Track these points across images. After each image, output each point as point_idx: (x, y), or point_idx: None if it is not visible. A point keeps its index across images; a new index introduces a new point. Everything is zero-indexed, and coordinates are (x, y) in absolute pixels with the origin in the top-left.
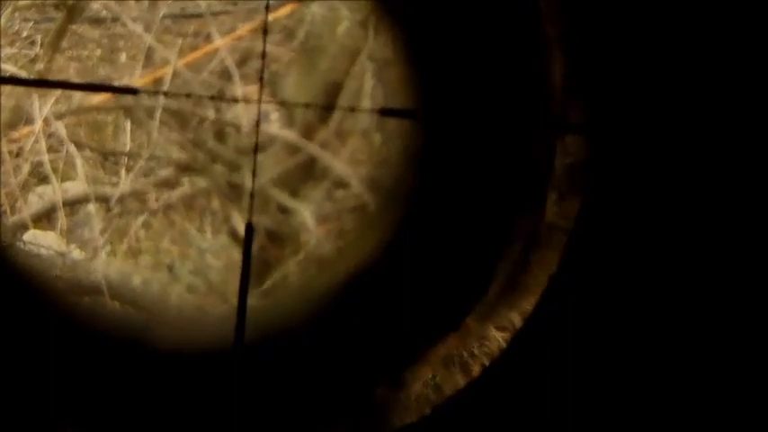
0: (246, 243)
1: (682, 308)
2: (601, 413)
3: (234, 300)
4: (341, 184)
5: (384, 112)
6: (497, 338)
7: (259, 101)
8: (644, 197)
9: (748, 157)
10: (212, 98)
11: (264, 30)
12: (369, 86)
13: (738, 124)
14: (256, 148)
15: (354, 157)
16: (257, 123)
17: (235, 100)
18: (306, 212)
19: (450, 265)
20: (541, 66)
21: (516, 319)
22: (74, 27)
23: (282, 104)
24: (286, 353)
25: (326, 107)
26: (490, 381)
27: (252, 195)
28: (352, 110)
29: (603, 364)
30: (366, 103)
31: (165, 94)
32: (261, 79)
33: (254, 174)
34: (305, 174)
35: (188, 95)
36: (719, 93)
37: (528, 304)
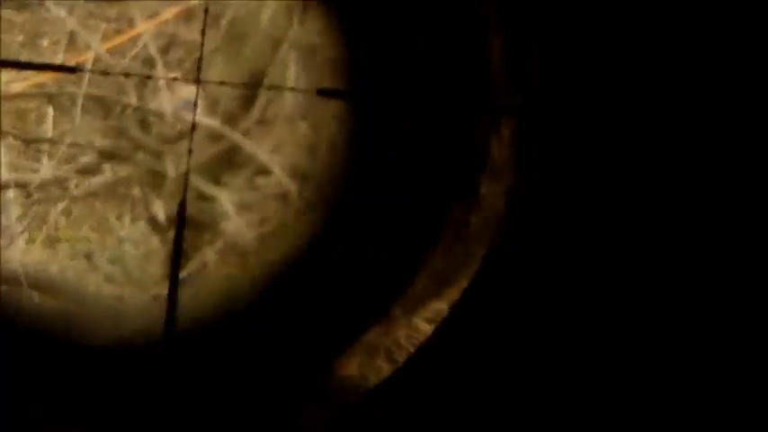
0: (179, 223)
1: (612, 293)
2: (537, 399)
3: (152, 290)
4: (263, 171)
5: (319, 92)
6: (424, 328)
7: (198, 84)
8: (576, 185)
9: (691, 131)
10: (148, 77)
11: (205, 10)
12: (293, 73)
13: (681, 100)
14: (193, 127)
15: (278, 146)
16: (195, 109)
17: (175, 78)
18: (226, 200)
19: (378, 254)
20: (478, 47)
21: (443, 308)
22: None
23: (219, 84)
24: (208, 344)
25: (254, 86)
26: (416, 369)
27: (187, 178)
28: (281, 88)
29: (536, 351)
30: (288, 91)
31: (107, 73)
32: (200, 59)
33: (189, 153)
34: (227, 161)
35: (126, 75)
36: (658, 67)
37: (455, 293)
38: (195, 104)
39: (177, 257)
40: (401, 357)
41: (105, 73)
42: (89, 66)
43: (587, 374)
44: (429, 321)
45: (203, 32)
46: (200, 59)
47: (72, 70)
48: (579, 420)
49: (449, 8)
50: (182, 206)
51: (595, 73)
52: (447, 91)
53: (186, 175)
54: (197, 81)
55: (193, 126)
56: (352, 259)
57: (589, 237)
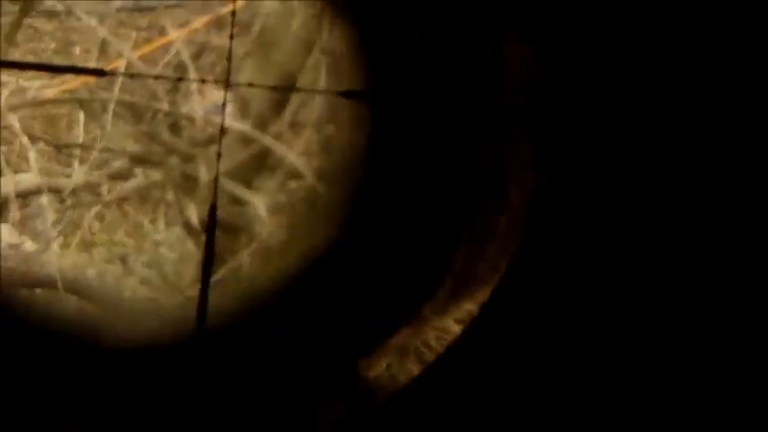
0: (210, 225)
1: (638, 290)
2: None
3: (188, 291)
4: (295, 175)
5: (343, 94)
6: (454, 329)
7: (226, 86)
8: (602, 184)
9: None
10: (179, 79)
11: (233, 12)
12: (324, 77)
13: (682, 99)
14: (223, 130)
15: (308, 149)
16: (223, 111)
17: (204, 81)
18: (260, 204)
19: (405, 254)
20: (478, 46)
21: (473, 309)
22: (29, 21)
23: (248, 85)
24: (239, 345)
25: (283, 89)
26: (446, 370)
27: (217, 182)
28: (313, 91)
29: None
30: (320, 95)
31: (132, 76)
32: (228, 60)
33: (218, 156)
34: (259, 165)
35: (157, 77)
36: (658, 66)
37: (484, 294)
38: (224, 107)
39: (209, 259)
40: (431, 358)
41: (137, 75)
42: (122, 71)
43: (618, 373)
44: (459, 322)
45: (231, 36)
46: (228, 60)
47: (104, 74)
48: (608, 420)
49: (448, 8)
50: (212, 209)
51: (595, 73)
52: (452, 91)
53: (216, 179)
54: (226, 84)
55: (222, 130)
56: (379, 260)
57: (610, 234)
